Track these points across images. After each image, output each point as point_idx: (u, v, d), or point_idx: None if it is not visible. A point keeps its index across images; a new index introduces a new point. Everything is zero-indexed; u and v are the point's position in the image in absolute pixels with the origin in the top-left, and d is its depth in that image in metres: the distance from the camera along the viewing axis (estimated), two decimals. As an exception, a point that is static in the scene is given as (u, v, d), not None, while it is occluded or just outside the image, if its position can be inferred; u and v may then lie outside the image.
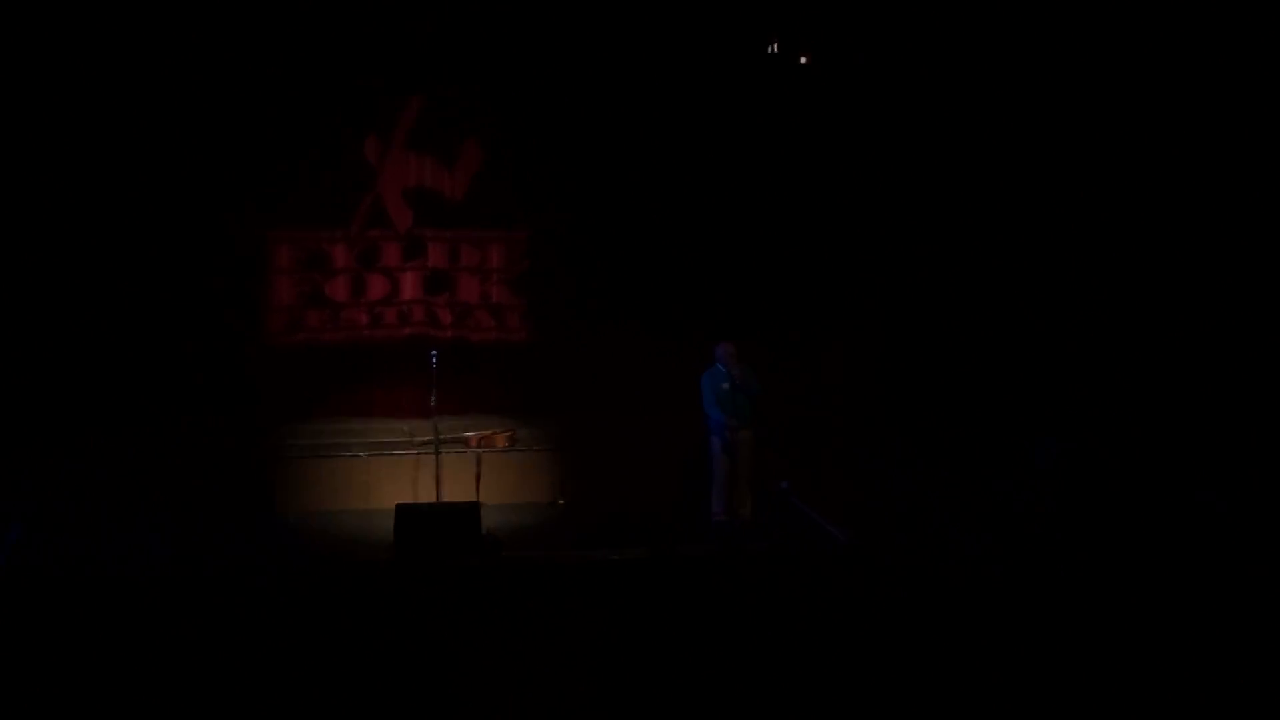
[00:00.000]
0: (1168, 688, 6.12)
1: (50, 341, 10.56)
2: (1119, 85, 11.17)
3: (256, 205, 11.08)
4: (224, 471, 10.12)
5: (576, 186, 11.71)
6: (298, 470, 10.49)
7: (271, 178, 11.06)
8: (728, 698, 6.06)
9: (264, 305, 11.44)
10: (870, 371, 11.43)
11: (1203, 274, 10.82)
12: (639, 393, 10.75)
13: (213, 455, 10.20)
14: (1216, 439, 10.27)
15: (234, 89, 10.85)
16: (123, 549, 9.01)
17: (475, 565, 8.59)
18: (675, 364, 10.47)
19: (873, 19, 11.49)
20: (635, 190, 11.69)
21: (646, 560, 8.39)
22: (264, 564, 8.90)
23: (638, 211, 11.69)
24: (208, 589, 7.85)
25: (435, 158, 11.72)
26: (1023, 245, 11.54)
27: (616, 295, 11.66)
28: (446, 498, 10.07)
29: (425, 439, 10.40)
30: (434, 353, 10.47)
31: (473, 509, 9.28)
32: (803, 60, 11.35)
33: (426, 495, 10.24)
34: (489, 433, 10.21)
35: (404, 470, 10.55)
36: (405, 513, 9.13)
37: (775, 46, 11.22)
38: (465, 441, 10.17)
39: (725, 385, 9.66)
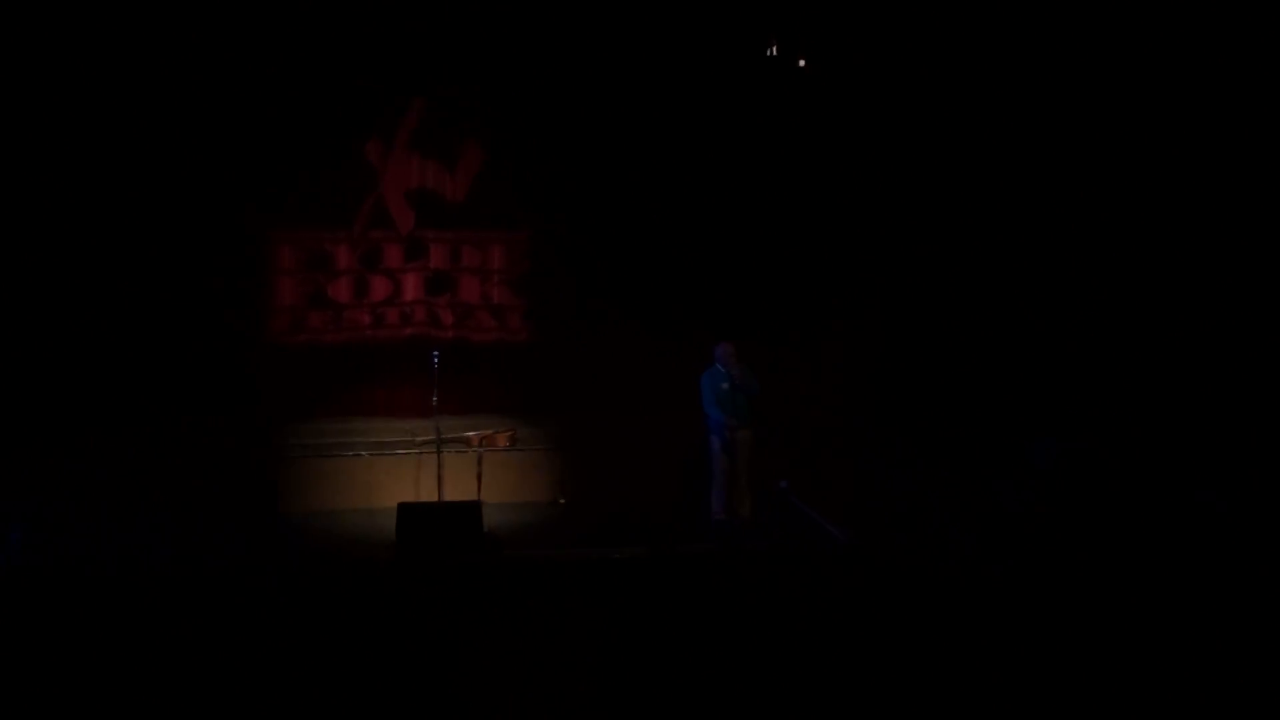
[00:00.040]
0: (1168, 688, 6.12)
1: (52, 341, 10.57)
2: (1118, 85, 11.19)
3: (259, 206, 11.12)
4: (226, 471, 10.16)
5: (576, 187, 11.75)
6: (300, 470, 10.54)
7: (274, 179, 11.09)
8: (728, 697, 6.06)
9: (267, 305, 11.48)
10: (870, 371, 11.43)
11: (1202, 274, 10.84)
12: (639, 393, 10.78)
13: (215, 455, 10.23)
14: (1216, 439, 10.28)
15: (237, 91, 10.88)
16: (124, 549, 9.01)
17: (477, 564, 8.60)
18: (675, 364, 10.50)
19: (872, 20, 11.50)
20: (635, 191, 11.72)
21: (647, 559, 8.38)
22: (266, 563, 8.92)
23: (638, 212, 11.72)
24: (210, 589, 7.83)
25: (437, 159, 11.77)
26: (1022, 245, 11.55)
27: (616, 295, 11.69)
28: (448, 497, 10.10)
29: (427, 438, 10.43)
30: (435, 353, 10.49)
31: (474, 508, 9.29)
32: (801, 63, 11.34)
33: (428, 494, 10.29)
34: (490, 432, 10.22)
35: (406, 470, 10.61)
36: (407, 512, 9.17)
37: (774, 49, 11.22)
38: (467, 441, 10.18)
39: (725, 385, 9.68)
